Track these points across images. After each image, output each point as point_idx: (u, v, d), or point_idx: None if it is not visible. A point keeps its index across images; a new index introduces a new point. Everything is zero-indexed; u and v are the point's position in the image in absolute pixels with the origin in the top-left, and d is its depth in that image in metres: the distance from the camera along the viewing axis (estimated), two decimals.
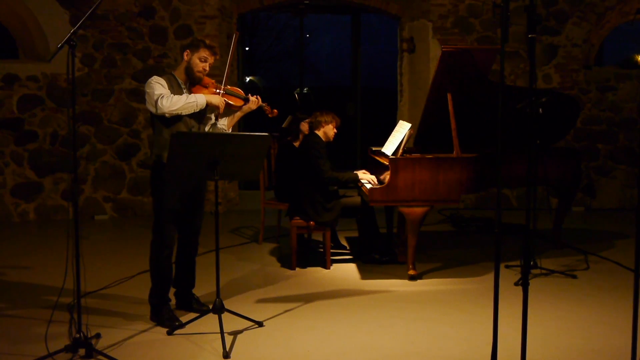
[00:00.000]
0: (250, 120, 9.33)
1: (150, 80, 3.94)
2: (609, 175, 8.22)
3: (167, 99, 3.81)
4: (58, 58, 4.07)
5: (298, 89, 7.15)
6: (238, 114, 4.18)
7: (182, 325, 3.92)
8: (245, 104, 4.14)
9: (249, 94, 4.20)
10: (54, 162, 7.40)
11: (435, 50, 7.81)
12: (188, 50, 4.00)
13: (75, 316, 3.46)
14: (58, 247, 5.81)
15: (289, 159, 5.90)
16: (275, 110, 4.33)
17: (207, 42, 4.03)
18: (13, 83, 7.25)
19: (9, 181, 7.33)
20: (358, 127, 9.25)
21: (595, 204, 8.20)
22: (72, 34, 3.34)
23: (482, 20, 8.01)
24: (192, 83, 4.03)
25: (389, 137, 5.46)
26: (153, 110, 3.85)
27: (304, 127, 5.91)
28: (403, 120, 5.62)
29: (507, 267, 5.20)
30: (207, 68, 4.00)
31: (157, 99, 3.81)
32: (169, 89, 3.91)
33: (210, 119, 4.16)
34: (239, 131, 8.03)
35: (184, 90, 4.00)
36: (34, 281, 5.01)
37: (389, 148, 5.31)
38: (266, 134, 3.76)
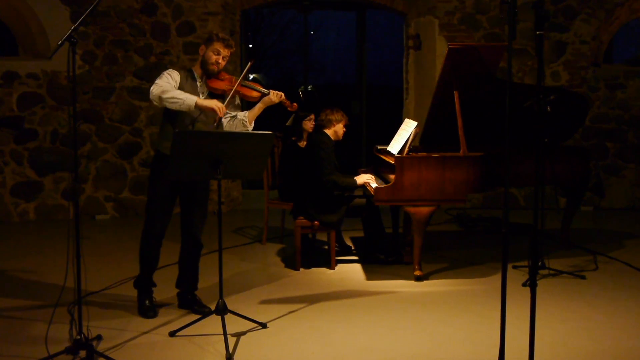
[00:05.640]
0: (256, 119, 9.29)
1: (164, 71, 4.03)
2: (618, 174, 8.14)
3: (157, 87, 3.87)
4: (58, 55, 4.01)
5: (302, 87, 7.08)
6: (258, 106, 4.19)
7: (154, 316, 4.09)
8: (263, 97, 4.15)
9: (271, 90, 4.21)
10: (54, 161, 7.35)
11: (441, 48, 7.74)
12: (203, 45, 4.10)
13: (76, 317, 3.42)
14: (58, 247, 5.77)
15: (293, 159, 5.84)
16: (295, 104, 4.34)
17: (220, 35, 4.09)
18: (13, 80, 7.19)
19: (8, 180, 7.27)
20: (363, 125, 9.19)
21: (604, 204, 8.12)
22: (72, 30, 3.32)
23: (489, 17, 7.95)
24: (208, 76, 4.09)
25: (394, 135, 5.41)
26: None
27: (307, 125, 5.85)
28: (409, 118, 5.57)
29: (514, 267, 5.15)
30: (221, 61, 4.06)
31: (152, 85, 3.90)
32: (182, 82, 3.99)
33: (230, 114, 4.16)
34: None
35: (199, 84, 4.08)
36: (34, 281, 4.97)
37: (394, 146, 5.25)
38: (269, 132, 3.72)
